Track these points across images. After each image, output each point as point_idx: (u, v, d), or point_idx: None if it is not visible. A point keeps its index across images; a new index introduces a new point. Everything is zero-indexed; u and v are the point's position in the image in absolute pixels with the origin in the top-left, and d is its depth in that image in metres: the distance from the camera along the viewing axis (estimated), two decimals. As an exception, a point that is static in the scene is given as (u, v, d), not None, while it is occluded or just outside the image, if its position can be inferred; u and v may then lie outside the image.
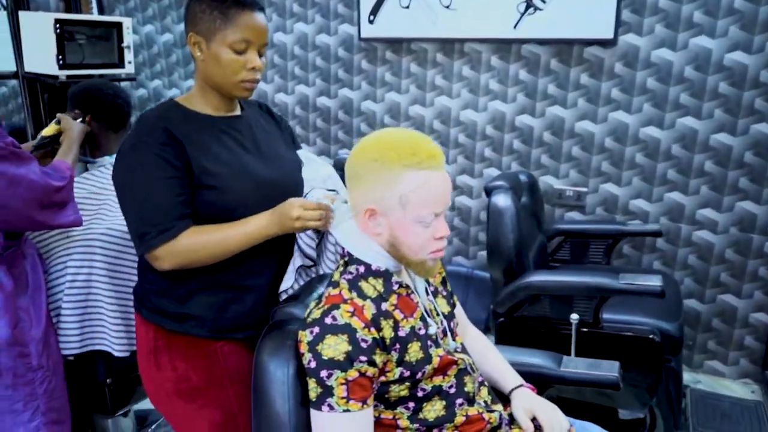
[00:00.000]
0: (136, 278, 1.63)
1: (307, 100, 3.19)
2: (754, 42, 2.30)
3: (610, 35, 2.47)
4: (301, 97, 3.20)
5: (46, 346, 1.51)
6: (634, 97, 2.53)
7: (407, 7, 2.80)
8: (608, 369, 1.41)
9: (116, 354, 1.61)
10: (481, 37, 2.72)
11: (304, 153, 1.50)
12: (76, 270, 1.55)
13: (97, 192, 1.68)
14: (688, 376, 2.59)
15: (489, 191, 2.24)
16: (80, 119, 1.70)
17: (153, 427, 2.18)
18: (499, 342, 2.19)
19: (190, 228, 1.23)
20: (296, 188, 1.40)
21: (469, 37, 2.74)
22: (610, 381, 1.39)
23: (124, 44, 2.50)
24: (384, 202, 1.10)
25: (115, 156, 1.76)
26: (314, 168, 1.46)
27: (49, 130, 1.68)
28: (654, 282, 1.90)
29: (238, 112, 1.40)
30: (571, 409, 1.40)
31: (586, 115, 2.63)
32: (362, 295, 1.12)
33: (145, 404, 2.06)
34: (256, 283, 1.33)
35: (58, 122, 1.67)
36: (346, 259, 1.19)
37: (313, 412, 1.06)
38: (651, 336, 1.99)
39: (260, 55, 1.30)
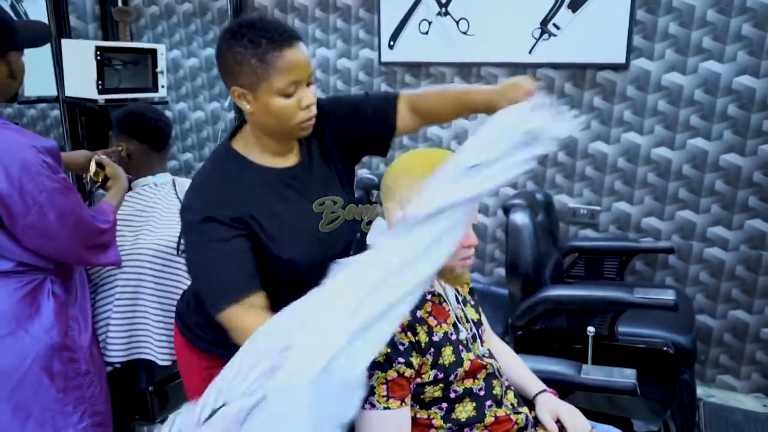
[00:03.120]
0: (179, 290, 1.74)
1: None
2: (761, 66, 2.40)
3: (622, 60, 2.58)
4: (323, 119, 3.32)
5: (92, 353, 1.61)
6: (646, 119, 2.63)
7: (426, 33, 2.93)
8: (626, 376, 1.50)
9: (159, 362, 1.71)
10: (497, 62, 2.84)
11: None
12: (125, 282, 1.66)
13: (141, 210, 1.79)
14: (701, 390, 2.65)
15: (507, 209, 2.34)
16: (120, 151, 1.81)
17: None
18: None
19: (263, 310, 1.13)
20: (348, 241, 1.39)
21: (486, 62, 2.86)
22: (627, 387, 1.47)
23: (158, 69, 2.63)
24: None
25: (158, 175, 1.88)
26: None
27: (95, 174, 1.73)
28: (667, 296, 1.98)
29: (296, 155, 1.34)
30: (588, 418, 1.48)
31: (600, 136, 2.73)
32: (399, 304, 1.21)
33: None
34: None
35: (101, 166, 1.72)
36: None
37: (355, 411, 1.16)
38: (665, 348, 2.07)
39: (309, 85, 1.23)
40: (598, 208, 2.79)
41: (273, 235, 1.24)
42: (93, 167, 1.72)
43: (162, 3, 3.58)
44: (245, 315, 1.12)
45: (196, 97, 3.66)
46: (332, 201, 1.37)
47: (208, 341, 1.36)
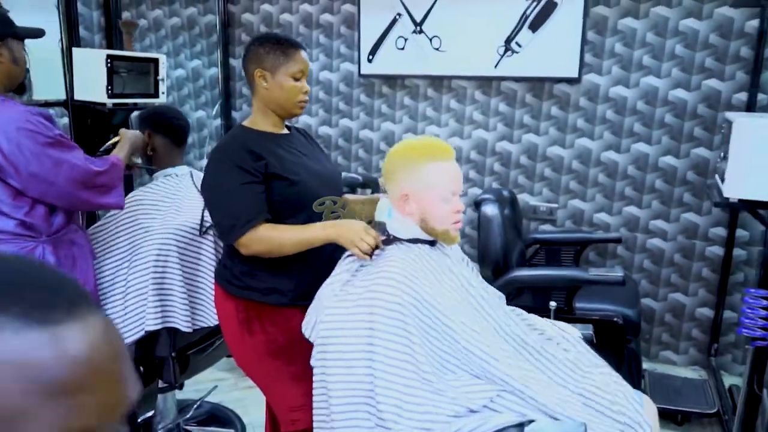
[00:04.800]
0: (200, 263, 1.99)
1: (310, 129, 3.59)
2: (692, 81, 2.81)
3: (575, 74, 2.96)
4: (305, 126, 3.59)
5: None
6: (596, 126, 3.00)
7: (402, 48, 3.25)
8: (585, 328, 1.82)
9: (183, 329, 1.94)
10: (466, 75, 3.18)
11: None
12: (156, 258, 1.90)
13: (166, 196, 2.04)
14: (646, 365, 3.01)
15: (478, 203, 2.65)
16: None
17: (191, 412, 2.48)
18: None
19: (268, 223, 1.57)
20: (338, 183, 1.80)
21: (456, 75, 3.20)
22: (587, 337, 1.79)
23: (160, 77, 2.86)
24: (414, 187, 1.50)
25: (177, 167, 2.13)
26: None
27: (110, 143, 2.03)
28: (616, 272, 2.33)
29: (286, 131, 1.78)
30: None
31: (556, 141, 3.09)
32: (405, 261, 1.50)
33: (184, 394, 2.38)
34: (319, 262, 1.66)
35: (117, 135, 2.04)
36: (390, 237, 1.57)
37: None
38: (615, 319, 2.42)
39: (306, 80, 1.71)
40: (555, 205, 3.14)
41: (288, 169, 1.64)
42: (112, 140, 2.07)
43: (151, 17, 3.81)
44: (265, 230, 1.57)
45: (182, 105, 3.88)
46: (332, 201, 1.70)
47: (241, 287, 1.67)
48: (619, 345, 2.44)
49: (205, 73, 3.80)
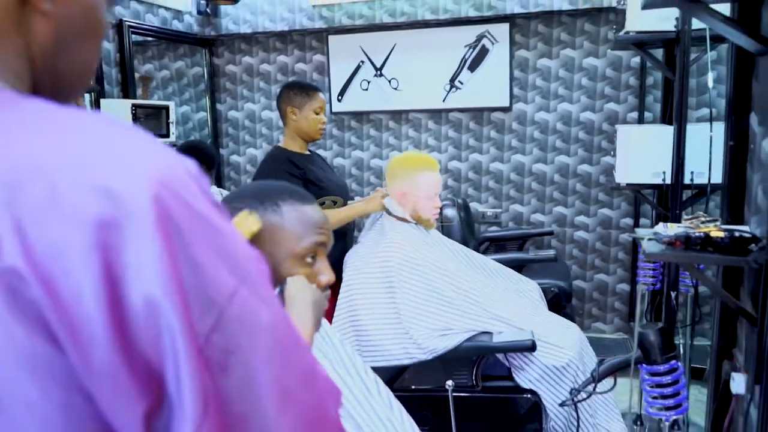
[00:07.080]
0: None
1: (290, 160, 4.21)
2: (596, 105, 3.60)
3: (507, 104, 3.71)
4: (285, 158, 4.21)
5: None
6: (527, 144, 3.76)
7: (366, 89, 3.94)
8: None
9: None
10: (420, 108, 3.89)
11: None
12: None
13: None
14: (581, 334, 3.71)
15: (441, 207, 3.33)
16: None
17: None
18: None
19: None
20: (347, 190, 2.46)
21: (412, 109, 3.91)
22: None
23: (171, 120, 3.44)
24: (410, 187, 2.15)
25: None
26: None
27: None
28: (549, 253, 3.03)
29: (308, 152, 2.42)
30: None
31: (496, 158, 3.82)
32: (402, 235, 2.15)
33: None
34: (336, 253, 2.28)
35: None
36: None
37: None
38: (552, 289, 3.11)
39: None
40: (499, 210, 3.86)
41: (317, 178, 2.25)
42: None
43: (142, 70, 4.38)
44: None
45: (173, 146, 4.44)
46: (332, 201, 2.30)
47: None
48: (556, 310, 3.13)
49: (194, 117, 4.38)
